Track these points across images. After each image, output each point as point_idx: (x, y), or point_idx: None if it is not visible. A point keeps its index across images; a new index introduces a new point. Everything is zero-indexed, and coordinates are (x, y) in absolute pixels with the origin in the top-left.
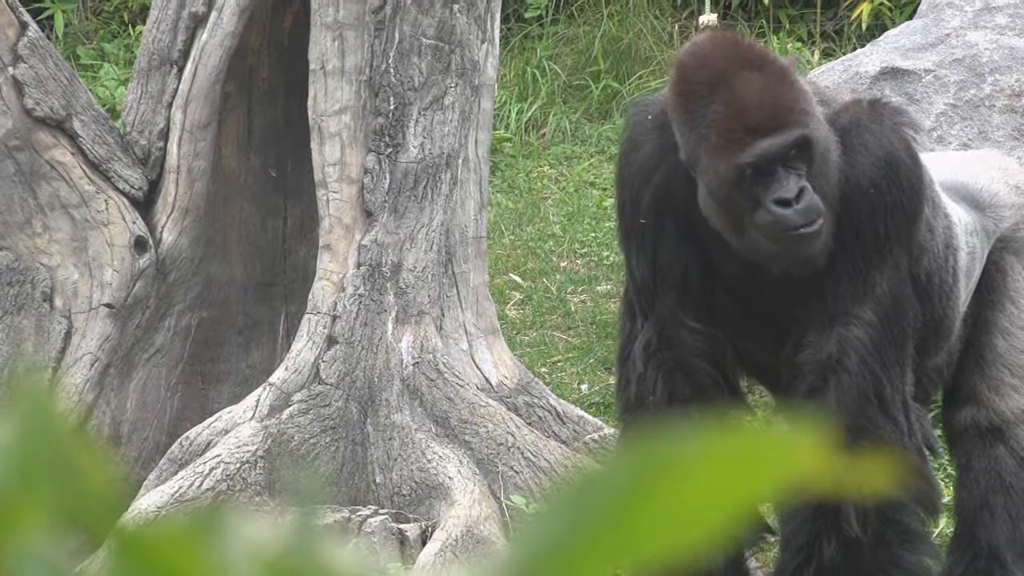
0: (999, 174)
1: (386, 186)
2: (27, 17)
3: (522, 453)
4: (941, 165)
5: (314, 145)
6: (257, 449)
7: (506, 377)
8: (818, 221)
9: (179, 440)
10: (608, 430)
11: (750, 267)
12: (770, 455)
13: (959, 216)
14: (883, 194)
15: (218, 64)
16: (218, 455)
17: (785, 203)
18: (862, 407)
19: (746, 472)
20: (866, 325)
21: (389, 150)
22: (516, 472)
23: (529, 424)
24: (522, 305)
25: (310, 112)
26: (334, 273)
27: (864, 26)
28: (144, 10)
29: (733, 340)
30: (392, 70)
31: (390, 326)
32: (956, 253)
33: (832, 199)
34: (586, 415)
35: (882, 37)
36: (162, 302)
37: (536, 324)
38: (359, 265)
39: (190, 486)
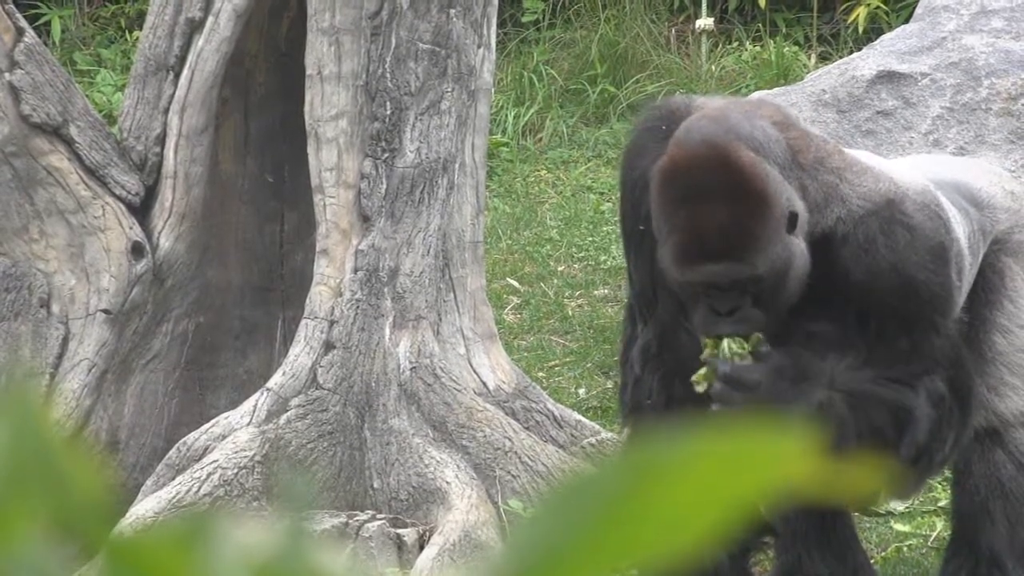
0: (995, 178)
1: (383, 191)
2: (24, 23)
3: (519, 458)
4: (943, 164)
5: (311, 150)
6: (255, 454)
7: (503, 382)
8: (749, 329)
9: (176, 445)
10: (606, 434)
11: None
12: (763, 458)
13: (962, 227)
14: (910, 307)
15: (215, 69)
16: (216, 460)
17: (717, 312)
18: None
19: (739, 475)
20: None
21: (386, 155)
22: (513, 476)
23: (527, 428)
24: (519, 310)
25: (307, 117)
26: (331, 278)
27: (860, 30)
28: (141, 16)
29: None
30: (388, 75)
31: (387, 331)
32: (963, 268)
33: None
34: (583, 419)
35: (878, 40)
36: (159, 307)
37: (533, 328)
38: (356, 270)
39: (187, 492)
